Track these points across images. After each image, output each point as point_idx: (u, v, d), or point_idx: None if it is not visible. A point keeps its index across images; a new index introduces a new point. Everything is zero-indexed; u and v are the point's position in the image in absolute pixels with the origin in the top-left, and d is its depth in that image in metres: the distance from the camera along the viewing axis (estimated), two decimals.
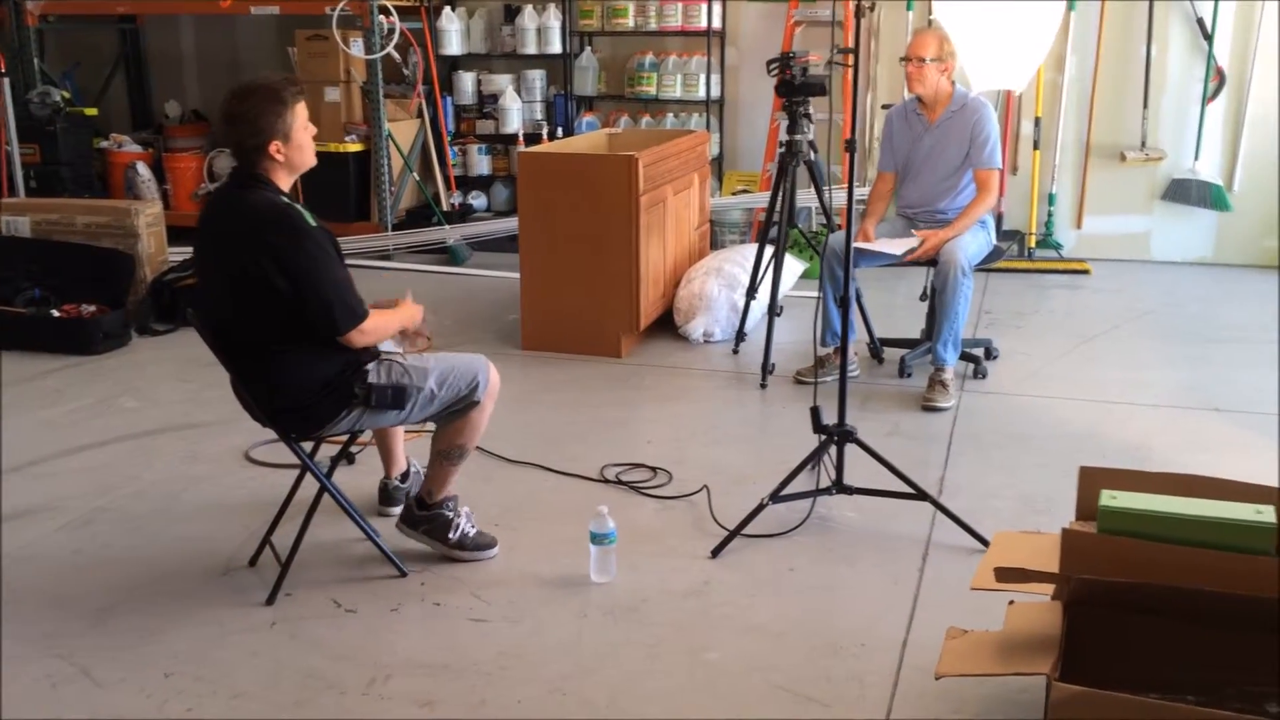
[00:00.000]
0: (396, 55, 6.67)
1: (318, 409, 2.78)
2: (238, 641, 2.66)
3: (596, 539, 2.90)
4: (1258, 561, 2.03)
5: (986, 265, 4.59)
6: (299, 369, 2.76)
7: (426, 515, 3.03)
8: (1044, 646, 2.08)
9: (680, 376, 4.66)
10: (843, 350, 3.28)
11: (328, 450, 3.19)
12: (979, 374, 4.51)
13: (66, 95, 7.12)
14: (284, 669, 2.54)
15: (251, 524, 3.21)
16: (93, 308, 5.04)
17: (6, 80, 6.39)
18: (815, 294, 4.22)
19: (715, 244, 6.36)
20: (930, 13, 6.01)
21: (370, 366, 2.82)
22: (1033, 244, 6.48)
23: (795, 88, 4.29)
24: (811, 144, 4.48)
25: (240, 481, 3.59)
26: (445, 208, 6.98)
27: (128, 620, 2.76)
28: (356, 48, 6.61)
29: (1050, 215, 6.47)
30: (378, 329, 2.84)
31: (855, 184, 6.32)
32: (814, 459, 3.24)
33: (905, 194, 4.52)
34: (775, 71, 4.35)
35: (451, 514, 3.03)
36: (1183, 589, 2.01)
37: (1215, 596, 1.99)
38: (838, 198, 6.15)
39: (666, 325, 5.13)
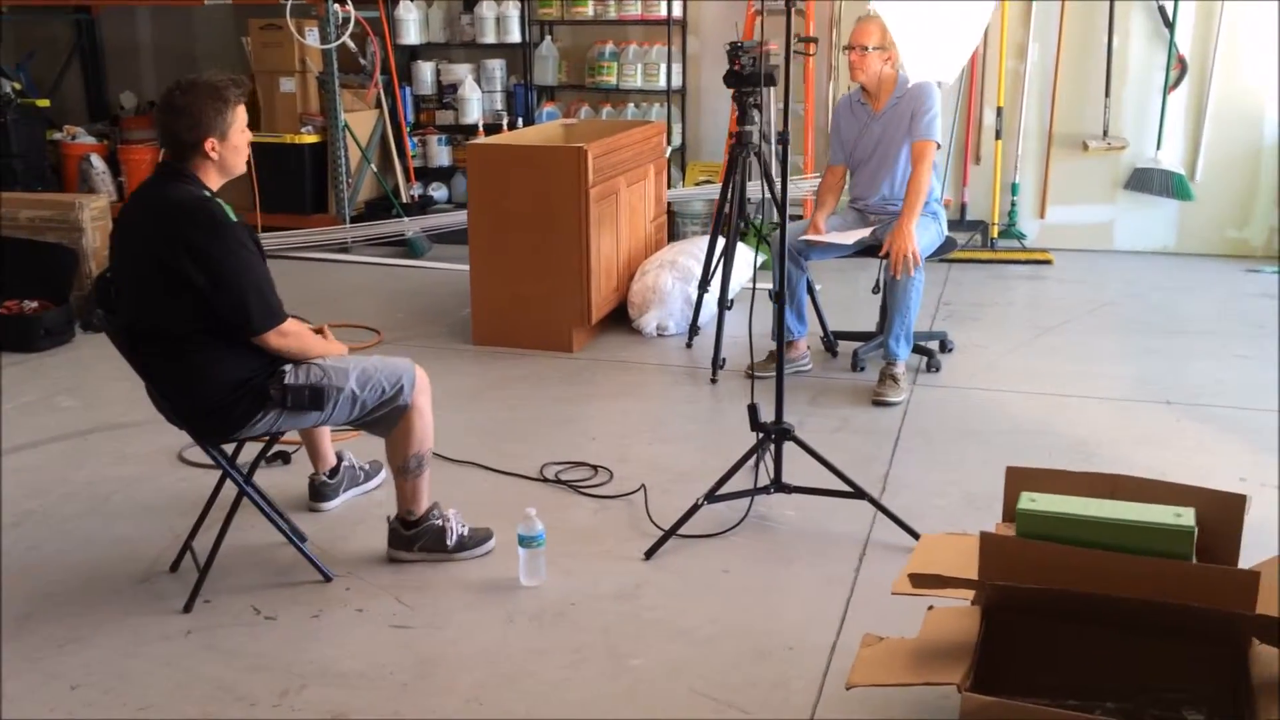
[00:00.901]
0: (352, 45, 6.57)
1: (233, 411, 2.71)
2: (151, 651, 2.59)
3: (525, 542, 2.84)
4: (1176, 566, 1.99)
5: (942, 256, 4.54)
6: (213, 369, 2.69)
7: (417, 532, 2.96)
8: (959, 654, 2.03)
9: (631, 371, 4.60)
10: (779, 347, 3.23)
11: (255, 449, 3.12)
12: (932, 367, 4.46)
13: (19, 86, 7.01)
14: (195, 680, 2.47)
15: (179, 526, 3.13)
16: (35, 304, 4.94)
17: None
18: (769, 286, 4.17)
19: (677, 235, 6.30)
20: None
21: (287, 368, 2.76)
22: (995, 234, 6.44)
23: (742, 78, 4.22)
24: (763, 134, 4.42)
25: (172, 483, 3.52)
26: (405, 200, 6.88)
27: (44, 629, 2.69)
28: (311, 37, 6.51)
29: (1013, 205, 6.43)
30: (300, 336, 2.78)
31: (814, 174, 6.28)
32: (749, 459, 3.18)
33: (856, 185, 4.46)
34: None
35: (441, 521, 2.97)
36: (1098, 595, 1.96)
37: (1132, 602, 1.94)
38: (794, 188, 6.10)
39: (621, 319, 5.06)
